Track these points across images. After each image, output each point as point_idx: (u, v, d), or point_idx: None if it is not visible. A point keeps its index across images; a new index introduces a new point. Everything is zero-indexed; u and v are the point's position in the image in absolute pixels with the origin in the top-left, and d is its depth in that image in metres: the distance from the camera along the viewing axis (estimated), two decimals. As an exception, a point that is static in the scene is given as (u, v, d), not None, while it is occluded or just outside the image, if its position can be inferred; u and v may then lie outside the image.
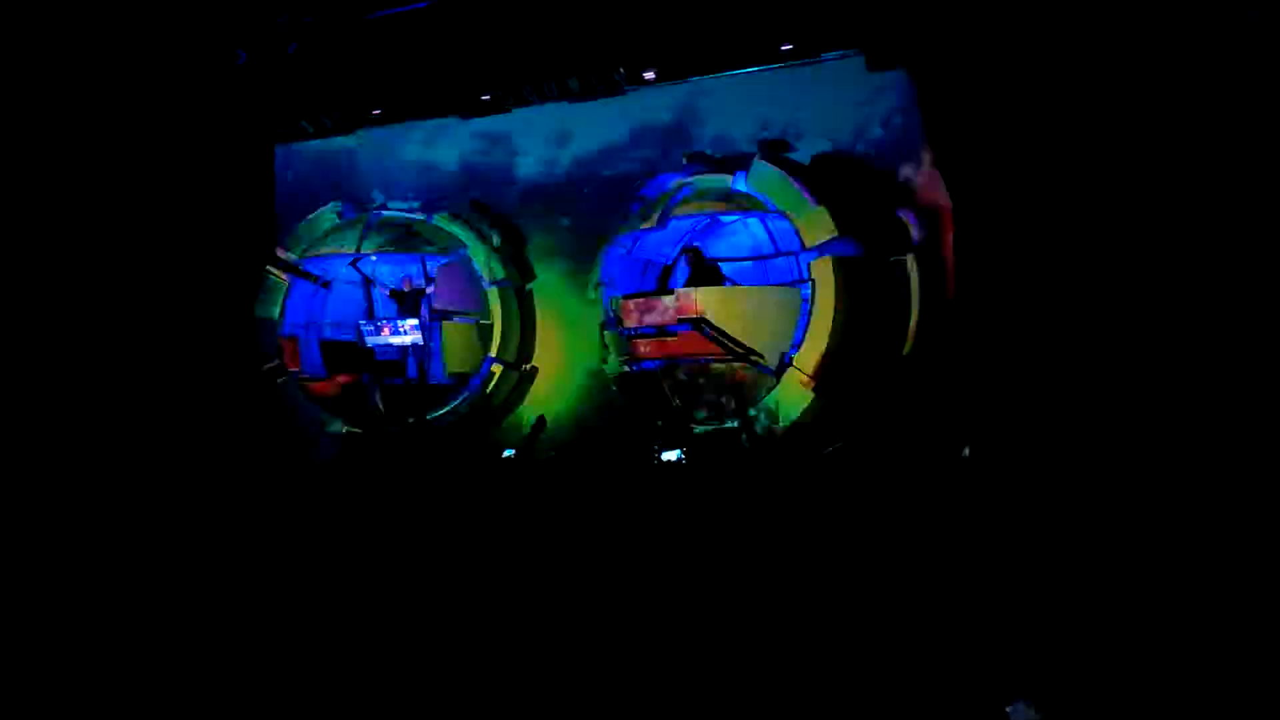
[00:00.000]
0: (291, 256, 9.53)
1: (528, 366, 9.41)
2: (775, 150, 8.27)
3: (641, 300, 8.14)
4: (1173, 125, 5.92)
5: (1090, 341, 6.16)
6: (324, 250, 9.36)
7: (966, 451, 6.74)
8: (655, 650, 3.60)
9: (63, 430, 7.66)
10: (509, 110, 9.34)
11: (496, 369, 9.15)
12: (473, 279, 9.26)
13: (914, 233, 7.85)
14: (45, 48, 8.87)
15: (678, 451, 7.61)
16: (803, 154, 8.29)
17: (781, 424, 7.67)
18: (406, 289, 9.50)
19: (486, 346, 9.16)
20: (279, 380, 9.27)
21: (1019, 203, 6.44)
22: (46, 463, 7.32)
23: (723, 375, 7.94)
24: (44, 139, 9.32)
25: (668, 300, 8.03)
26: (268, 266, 9.54)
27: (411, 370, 9.44)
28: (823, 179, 7.94)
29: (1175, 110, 5.92)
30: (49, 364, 9.60)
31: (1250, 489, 5.07)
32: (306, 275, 9.62)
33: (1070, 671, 3.17)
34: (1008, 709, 2.74)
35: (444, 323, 8.98)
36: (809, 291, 7.71)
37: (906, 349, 7.75)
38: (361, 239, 9.08)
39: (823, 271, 7.56)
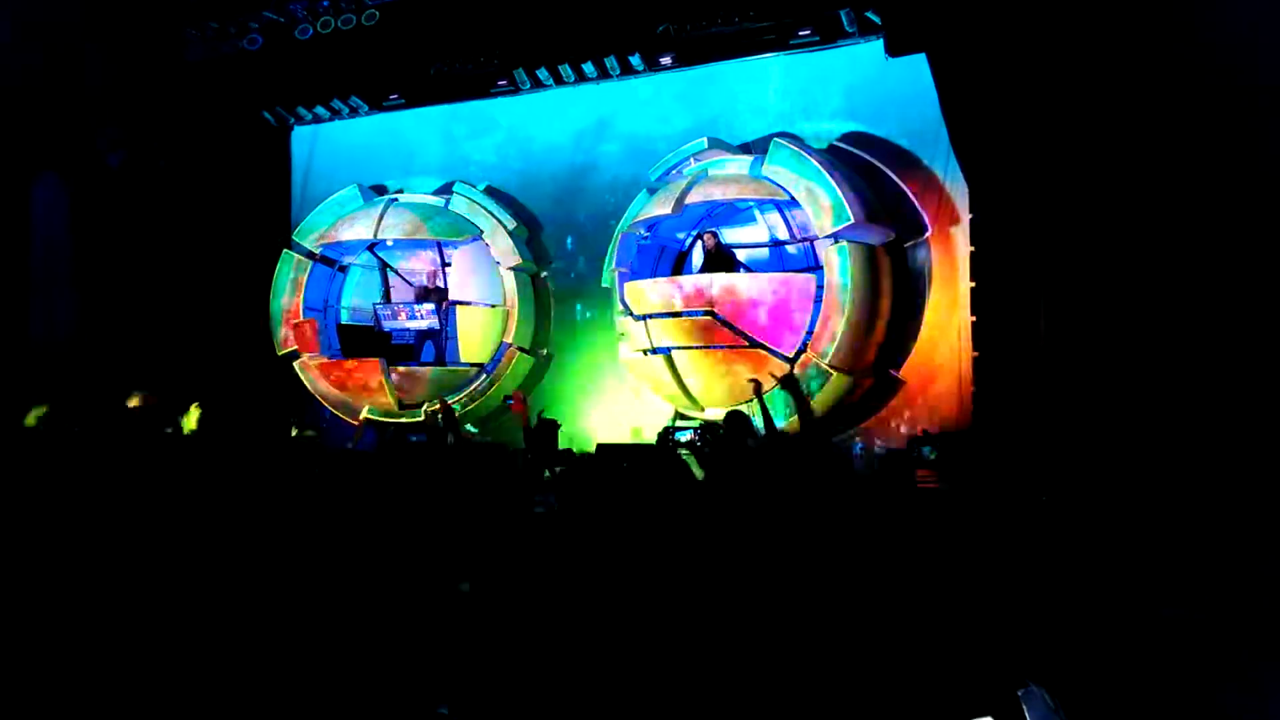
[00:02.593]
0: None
1: (543, 352, 9.43)
2: (792, 136, 8.22)
3: (655, 286, 8.13)
4: (1194, 118, 5.83)
5: (1107, 329, 6.10)
6: (342, 235, 9.39)
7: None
8: (660, 638, 3.59)
9: (76, 419, 7.74)
10: (524, 94, 9.34)
11: (512, 353, 9.19)
12: (489, 264, 9.28)
13: (930, 218, 7.79)
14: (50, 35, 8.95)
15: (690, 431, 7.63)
16: (820, 139, 8.23)
17: (795, 409, 7.65)
18: (430, 285, 9.52)
19: (503, 331, 9.20)
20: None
21: (1036, 188, 6.36)
22: (63, 450, 7.40)
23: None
24: (58, 128, 9.42)
25: (682, 286, 8.01)
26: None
27: (427, 354, 9.49)
28: (839, 165, 7.88)
29: (1196, 103, 5.82)
30: (74, 349, 9.73)
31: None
32: (323, 260, 9.69)
33: (1080, 663, 3.15)
34: (1020, 693, 2.71)
35: (459, 308, 8.99)
36: (824, 278, 7.67)
37: (921, 335, 7.71)
38: (379, 223, 9.11)
39: (838, 258, 7.52)
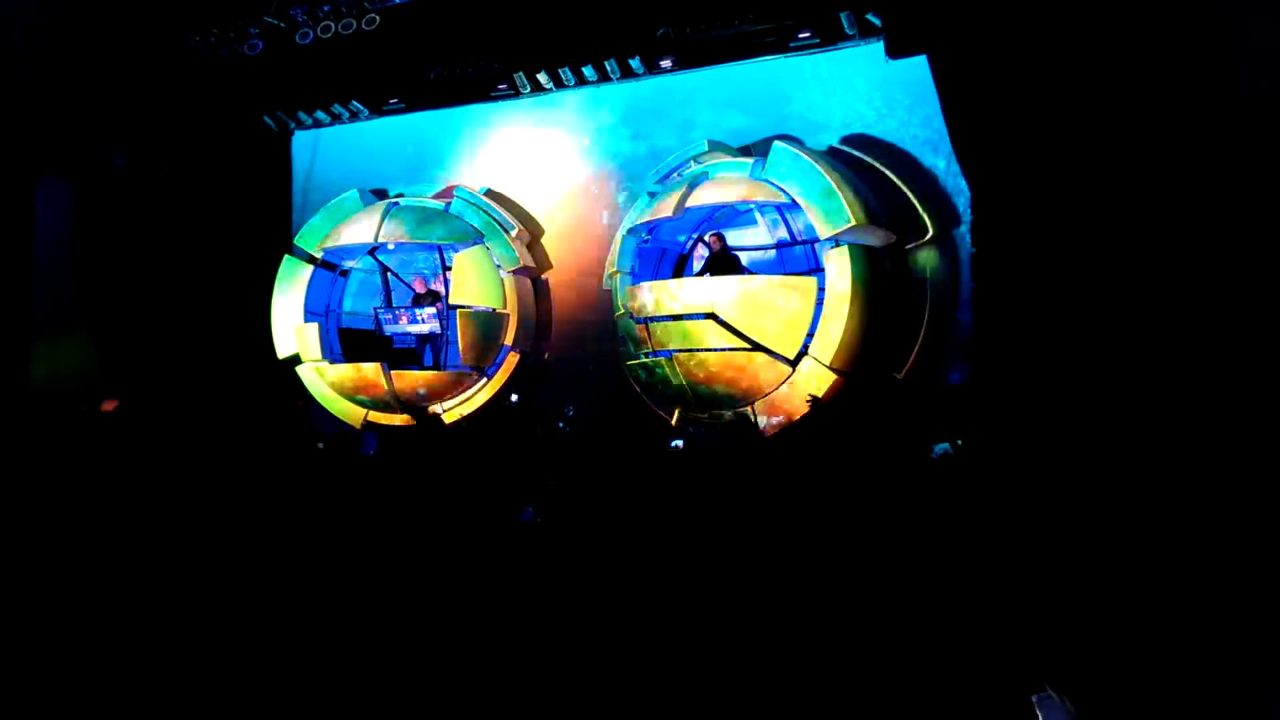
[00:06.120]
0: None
1: (544, 356, 9.41)
2: (793, 138, 8.20)
3: (656, 288, 8.10)
4: (1197, 119, 5.77)
5: (1109, 332, 6.05)
6: (343, 239, 9.39)
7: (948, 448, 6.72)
8: (658, 641, 3.57)
9: (83, 419, 7.75)
10: (525, 98, 9.33)
11: (512, 358, 9.18)
12: (490, 268, 9.26)
13: (931, 220, 7.77)
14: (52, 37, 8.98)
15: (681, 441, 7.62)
16: (821, 141, 8.21)
17: (794, 413, 7.63)
18: (422, 290, 9.51)
19: (503, 335, 9.18)
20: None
21: (1039, 190, 6.32)
22: (69, 449, 7.42)
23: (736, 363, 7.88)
24: (61, 132, 9.45)
25: (682, 289, 7.98)
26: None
27: (428, 359, 9.47)
28: (840, 167, 7.86)
29: (1199, 104, 5.77)
30: (73, 355, 9.75)
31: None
32: (324, 264, 9.69)
33: (1091, 663, 3.11)
34: (1034, 698, 2.69)
35: (460, 312, 8.97)
36: (825, 280, 7.65)
37: (921, 338, 7.68)
38: (379, 227, 9.11)
39: (839, 260, 7.49)
